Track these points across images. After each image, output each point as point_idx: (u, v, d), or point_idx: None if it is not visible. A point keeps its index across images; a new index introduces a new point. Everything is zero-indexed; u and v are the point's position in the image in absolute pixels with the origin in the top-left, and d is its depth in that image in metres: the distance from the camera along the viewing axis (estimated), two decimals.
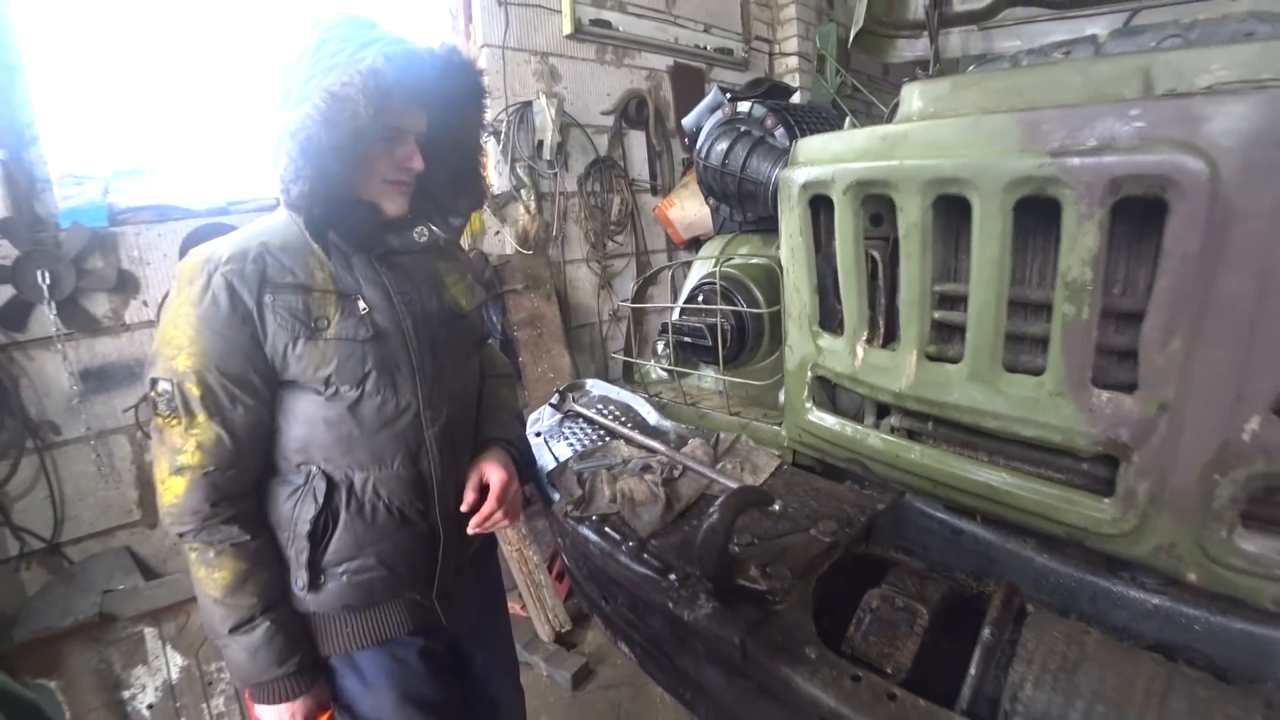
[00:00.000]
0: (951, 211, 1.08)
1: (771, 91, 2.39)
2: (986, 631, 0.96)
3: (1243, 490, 0.90)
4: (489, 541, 1.36)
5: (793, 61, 4.60)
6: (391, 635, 1.20)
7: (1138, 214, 0.90)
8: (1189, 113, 0.83)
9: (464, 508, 1.24)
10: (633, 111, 3.68)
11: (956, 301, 1.11)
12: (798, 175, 1.30)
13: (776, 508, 1.27)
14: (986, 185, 0.98)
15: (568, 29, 3.49)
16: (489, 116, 3.31)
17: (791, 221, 1.35)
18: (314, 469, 1.13)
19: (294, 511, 1.12)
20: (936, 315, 1.14)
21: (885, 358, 1.20)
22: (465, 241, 3.16)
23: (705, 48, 4.13)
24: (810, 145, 1.33)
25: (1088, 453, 1.01)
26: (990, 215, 0.99)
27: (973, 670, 0.93)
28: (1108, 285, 0.94)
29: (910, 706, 0.86)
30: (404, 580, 1.20)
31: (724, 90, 2.20)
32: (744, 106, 2.06)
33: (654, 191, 3.83)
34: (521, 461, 1.36)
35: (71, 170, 2.22)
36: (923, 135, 1.09)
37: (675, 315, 2.01)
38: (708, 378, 1.88)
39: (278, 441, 1.13)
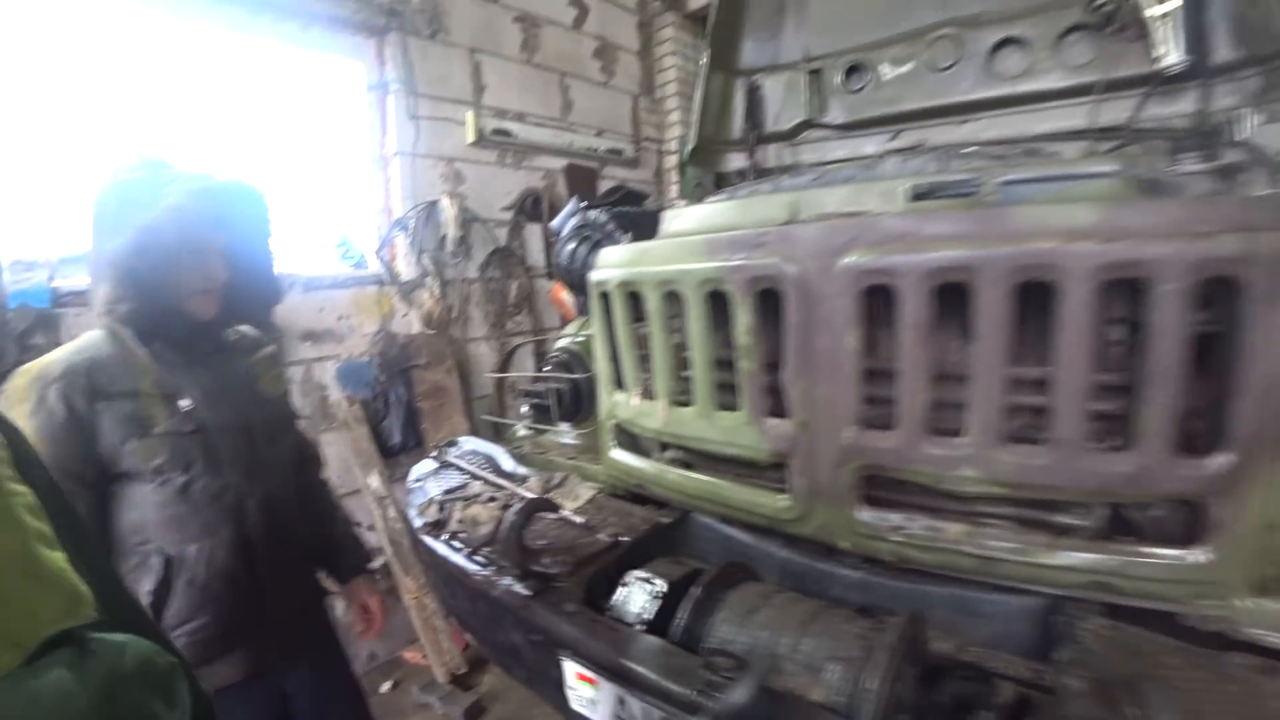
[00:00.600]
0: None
1: (625, 199, 2.91)
2: (697, 590, 1.36)
3: (855, 479, 1.34)
4: (317, 592, 1.59)
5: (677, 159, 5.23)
6: (227, 683, 1.37)
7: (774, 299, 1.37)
8: (789, 235, 1.31)
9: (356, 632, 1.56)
10: (529, 207, 4.19)
11: (689, 364, 1.56)
12: (593, 275, 1.76)
13: (580, 520, 1.66)
14: (689, 283, 1.44)
15: (471, 138, 4.00)
16: (400, 213, 3.75)
17: (593, 309, 1.80)
18: (150, 546, 1.29)
19: (134, 586, 1.25)
20: (680, 374, 1.59)
21: (650, 406, 1.64)
22: (375, 323, 3.55)
23: (598, 149, 4.71)
24: (605, 254, 1.79)
25: (767, 462, 1.44)
26: (694, 303, 1.45)
27: (683, 615, 1.33)
28: (765, 347, 1.40)
29: (626, 633, 1.25)
30: (236, 634, 1.37)
31: (581, 199, 2.68)
32: (593, 214, 2.55)
33: (549, 276, 4.31)
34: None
35: (21, 257, 2.54)
36: (657, 249, 1.56)
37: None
38: (558, 431, 2.29)
39: (115, 527, 1.28)
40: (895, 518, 1.33)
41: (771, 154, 2.95)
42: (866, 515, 1.35)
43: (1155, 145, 1.59)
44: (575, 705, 1.30)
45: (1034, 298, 1.11)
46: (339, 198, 3.71)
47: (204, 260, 1.34)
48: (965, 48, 2.51)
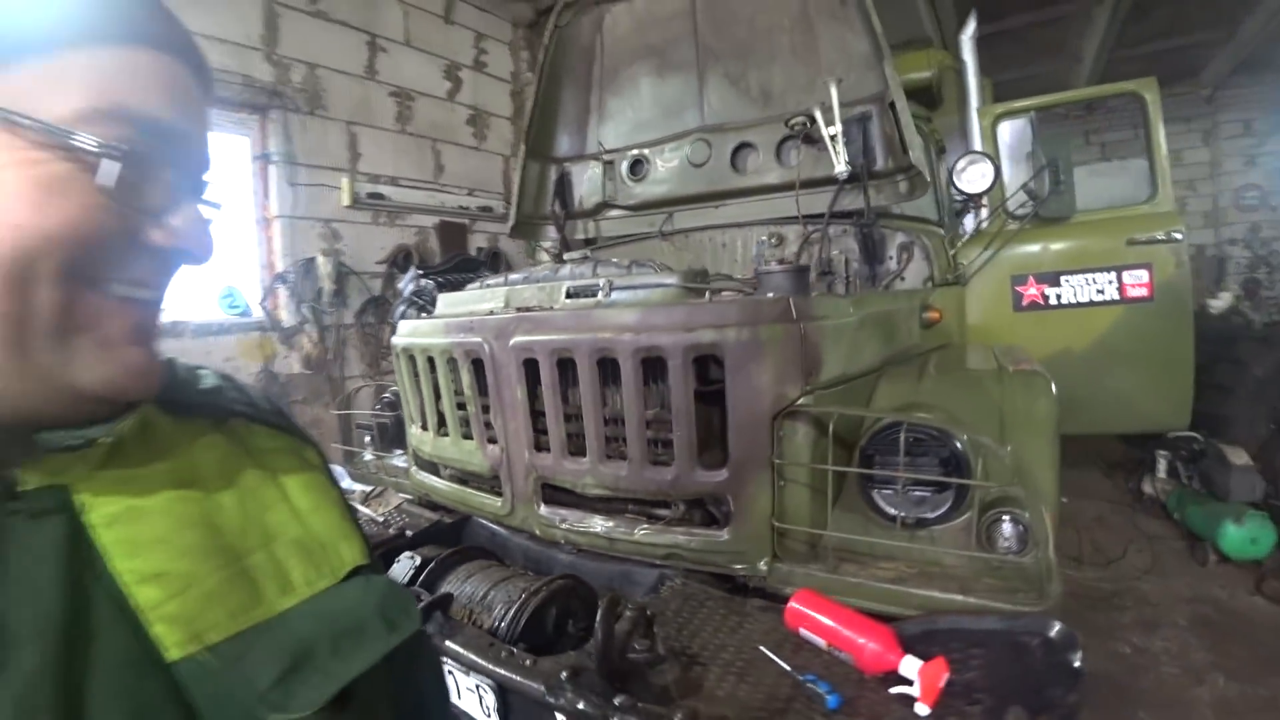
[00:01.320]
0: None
1: (461, 265, 3.57)
2: (431, 564, 2.02)
3: (535, 486, 2.02)
4: None
5: None
6: None
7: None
8: (485, 321, 2.00)
9: None
10: (402, 261, 4.81)
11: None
12: (392, 340, 2.43)
13: (380, 519, 2.32)
14: (436, 350, 2.12)
15: (347, 201, 4.60)
16: (281, 268, 4.31)
17: (394, 365, 2.46)
18: None
19: None
20: (440, 413, 2.26)
21: (427, 436, 2.31)
22: (259, 364, 4.12)
23: (469, 207, 5.37)
24: (400, 325, 2.45)
25: (489, 475, 2.12)
26: (440, 365, 2.13)
27: (421, 577, 1.99)
28: (481, 396, 2.08)
29: None
30: None
31: (419, 268, 3.34)
32: (424, 282, 3.20)
33: None
34: None
35: None
36: (424, 325, 2.23)
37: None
38: (393, 456, 2.94)
39: None
40: (563, 512, 2.01)
41: (580, 227, 3.67)
42: (545, 511, 2.03)
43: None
44: None
45: (611, 367, 1.81)
46: (226, 254, 4.27)
47: None
48: (715, 149, 3.29)
